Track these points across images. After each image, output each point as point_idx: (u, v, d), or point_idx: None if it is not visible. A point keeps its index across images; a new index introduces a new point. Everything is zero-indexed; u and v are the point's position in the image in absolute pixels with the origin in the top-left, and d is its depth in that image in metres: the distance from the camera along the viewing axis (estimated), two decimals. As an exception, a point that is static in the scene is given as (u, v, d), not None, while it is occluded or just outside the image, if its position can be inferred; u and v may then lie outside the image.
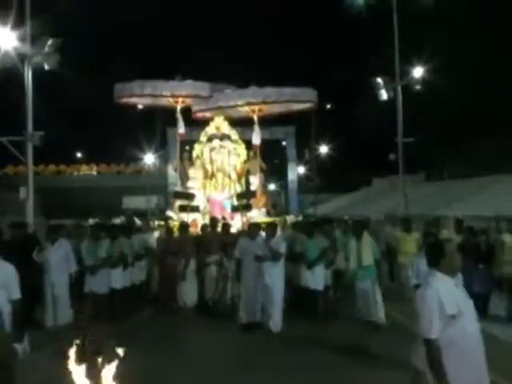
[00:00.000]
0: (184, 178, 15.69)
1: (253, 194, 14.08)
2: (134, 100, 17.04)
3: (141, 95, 15.95)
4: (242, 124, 17.17)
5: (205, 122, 16.51)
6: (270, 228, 9.07)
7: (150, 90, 15.46)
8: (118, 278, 9.58)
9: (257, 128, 15.79)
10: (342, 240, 10.20)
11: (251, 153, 15.84)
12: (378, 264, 8.87)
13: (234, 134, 15.65)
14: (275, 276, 8.52)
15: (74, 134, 47.34)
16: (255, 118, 15.82)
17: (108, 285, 9.47)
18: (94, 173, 52.37)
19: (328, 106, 40.77)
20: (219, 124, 15.66)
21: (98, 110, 43.52)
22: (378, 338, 8.05)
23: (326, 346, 7.69)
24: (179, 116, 15.87)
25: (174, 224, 12.47)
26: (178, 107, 15.90)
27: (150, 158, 38.94)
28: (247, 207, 13.27)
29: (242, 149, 15.55)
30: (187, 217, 13.01)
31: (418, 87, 19.79)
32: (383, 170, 34.89)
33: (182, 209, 13.40)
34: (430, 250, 4.06)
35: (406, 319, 8.86)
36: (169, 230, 11.27)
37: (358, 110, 34.87)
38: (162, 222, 13.01)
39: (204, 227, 11.29)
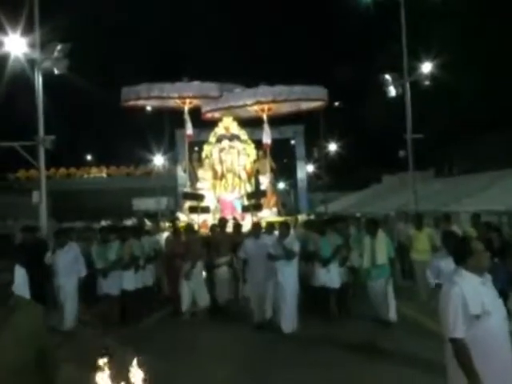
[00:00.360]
0: (193, 179, 15.68)
1: (263, 194, 14.04)
2: (141, 103, 17.04)
3: (148, 98, 15.99)
4: (250, 124, 17.11)
5: (213, 123, 16.54)
6: (283, 227, 8.94)
7: (156, 92, 15.54)
8: (130, 280, 9.57)
9: (266, 127, 15.74)
10: (355, 237, 10.02)
11: (260, 152, 15.75)
12: (392, 263, 8.76)
13: (244, 134, 15.61)
14: (289, 275, 8.43)
15: (83, 137, 47.77)
16: (265, 117, 15.75)
17: (119, 286, 9.46)
18: (104, 175, 52.75)
19: (336, 104, 40.66)
20: (228, 124, 15.65)
21: (107, 113, 43.79)
22: (391, 336, 8.04)
23: (338, 345, 7.66)
24: (187, 117, 15.96)
25: (182, 225, 12.34)
26: (186, 108, 15.99)
27: (159, 160, 39.09)
28: (257, 207, 13.25)
29: (251, 149, 15.52)
30: (197, 218, 12.96)
31: (426, 83, 19.69)
32: (393, 167, 34.79)
33: (192, 210, 13.34)
34: (456, 247, 3.97)
35: (418, 316, 8.85)
36: (176, 231, 11.00)
37: (367, 108, 34.81)
38: (171, 224, 12.92)
39: (213, 228, 11.13)
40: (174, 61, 41.57)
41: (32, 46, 14.35)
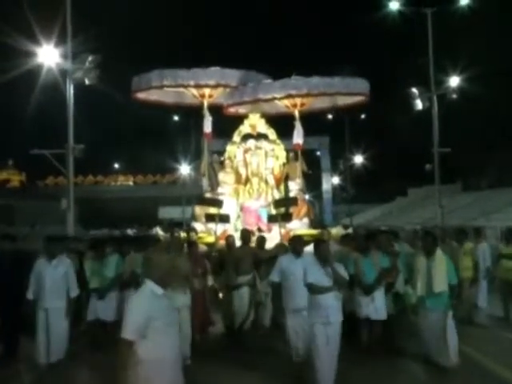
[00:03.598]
0: (214, 183, 13.88)
1: (293, 202, 12.18)
2: (154, 97, 14.92)
3: (160, 86, 13.81)
4: (278, 122, 14.94)
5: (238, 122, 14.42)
6: (324, 245, 6.39)
7: (170, 79, 13.34)
8: None
9: (298, 125, 13.73)
10: (402, 256, 8.18)
11: (291, 154, 13.86)
12: (452, 291, 6.89)
13: (272, 133, 13.74)
14: (337, 311, 6.05)
15: (111, 145, 48.59)
16: (296, 113, 13.72)
17: (118, 311, 7.64)
18: (131, 183, 53.49)
19: (362, 116, 40.56)
20: (255, 122, 13.74)
21: (135, 122, 44.56)
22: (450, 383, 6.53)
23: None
24: (206, 112, 13.93)
25: (200, 236, 10.95)
26: (205, 102, 13.97)
27: (185, 169, 39.50)
28: (287, 217, 11.43)
29: (280, 150, 13.62)
30: (216, 228, 11.11)
31: (454, 96, 19.59)
32: (418, 180, 34.50)
33: (209, 218, 11.42)
34: None
35: (475, 355, 7.28)
36: (191, 244, 8.83)
37: (393, 120, 34.64)
38: (186, 235, 10.95)
39: (229, 240, 9.18)
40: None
41: (64, 56, 14.79)
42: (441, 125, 18.79)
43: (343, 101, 15.08)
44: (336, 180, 41.14)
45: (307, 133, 14.42)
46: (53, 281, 7.07)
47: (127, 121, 44.39)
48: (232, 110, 14.80)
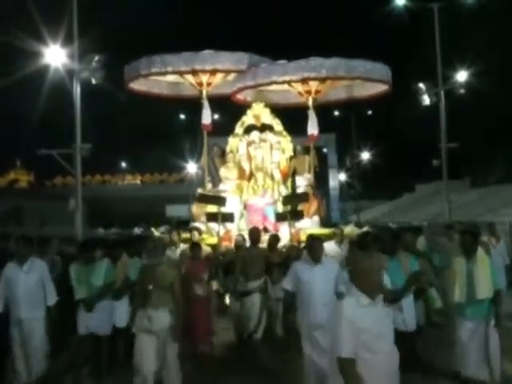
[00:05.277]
0: (214, 179, 13.01)
1: (304, 198, 11.05)
2: (151, 89, 13.70)
3: (148, 74, 12.54)
4: (285, 115, 13.60)
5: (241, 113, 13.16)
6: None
7: (159, 66, 11.99)
8: (124, 314, 6.64)
9: (312, 114, 12.46)
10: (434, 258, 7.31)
11: (298, 147, 12.85)
12: (498, 296, 6.00)
13: (278, 124, 12.62)
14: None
15: (118, 144, 48.73)
16: (310, 101, 12.43)
17: (110, 323, 6.84)
18: (138, 182, 53.64)
19: (369, 112, 40.45)
20: (259, 112, 12.59)
21: (142, 120, 44.67)
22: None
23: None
24: (205, 101, 12.63)
25: (203, 238, 10.02)
26: (204, 91, 12.62)
27: (192, 167, 39.57)
28: (298, 214, 10.34)
29: (287, 142, 12.55)
30: (218, 228, 10.12)
31: (461, 91, 19.51)
32: (426, 176, 34.38)
33: (211, 217, 10.36)
34: None
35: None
36: (194, 245, 8.05)
37: (400, 116, 34.52)
38: (188, 235, 9.90)
39: (238, 240, 8.64)
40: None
41: (71, 57, 14.85)
42: (448, 120, 18.71)
43: (361, 92, 13.78)
44: (343, 177, 41.07)
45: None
46: (26, 288, 6.25)
47: (134, 119, 44.52)
48: (240, 96, 13.50)
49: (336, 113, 36.18)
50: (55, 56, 15.02)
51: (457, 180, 30.28)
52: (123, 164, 57.33)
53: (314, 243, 5.97)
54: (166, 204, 44.06)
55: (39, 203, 39.86)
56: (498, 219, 17.83)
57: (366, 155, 39.32)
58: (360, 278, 3.54)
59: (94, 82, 14.73)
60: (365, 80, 12.64)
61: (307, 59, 11.66)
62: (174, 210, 41.58)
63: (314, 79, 11.96)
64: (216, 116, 13.54)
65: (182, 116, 38.87)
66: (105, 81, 15.05)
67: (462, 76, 19.51)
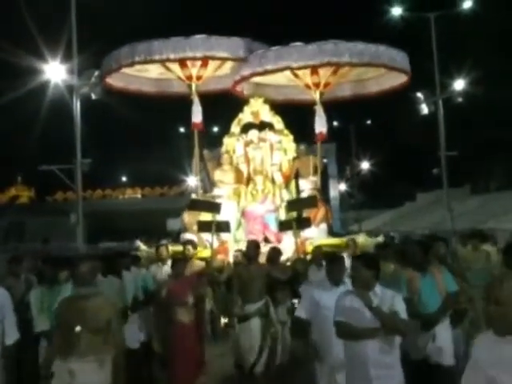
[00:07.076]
0: (208, 183, 11.82)
1: (311, 202, 9.58)
2: (122, 84, 12.02)
3: (131, 64, 10.72)
4: (287, 111, 12.25)
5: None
6: (371, 265, 4.08)
7: (144, 54, 10.31)
8: None
9: (320, 110, 11.06)
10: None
11: (302, 147, 11.44)
12: None
13: (278, 122, 11.30)
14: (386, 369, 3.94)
15: (118, 158, 48.88)
16: (317, 96, 11.01)
17: None
18: (139, 196, 53.65)
19: (368, 122, 40.59)
20: (257, 108, 11.22)
21: (142, 134, 44.84)
22: None
23: None
24: (194, 97, 11.10)
25: (196, 252, 8.65)
26: (193, 85, 11.11)
27: (192, 181, 39.65)
28: (305, 222, 8.88)
29: (289, 142, 11.23)
30: (212, 239, 8.67)
31: (459, 100, 19.61)
32: (427, 185, 34.39)
33: (203, 226, 8.91)
34: None
35: None
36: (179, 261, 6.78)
37: (399, 125, 34.64)
38: (180, 248, 8.61)
39: (238, 261, 7.67)
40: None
41: (70, 72, 14.96)
42: (447, 128, 18.78)
43: (377, 86, 12.30)
44: (343, 187, 41.10)
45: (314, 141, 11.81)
46: None
47: (133, 133, 44.68)
48: (239, 89, 11.74)
49: (335, 123, 36.33)
50: (55, 72, 15.17)
51: (457, 188, 30.24)
52: (123, 178, 57.41)
53: (334, 262, 4.92)
54: (167, 217, 44.07)
55: (40, 219, 39.84)
56: (500, 226, 17.83)
57: (365, 165, 39.39)
58: None
59: (93, 97, 14.83)
60: (389, 69, 11.19)
61: (326, 41, 10.08)
62: (175, 224, 41.50)
63: (337, 64, 10.43)
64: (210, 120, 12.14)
65: (182, 129, 39.02)
66: (104, 95, 15.15)
67: (459, 84, 19.61)
